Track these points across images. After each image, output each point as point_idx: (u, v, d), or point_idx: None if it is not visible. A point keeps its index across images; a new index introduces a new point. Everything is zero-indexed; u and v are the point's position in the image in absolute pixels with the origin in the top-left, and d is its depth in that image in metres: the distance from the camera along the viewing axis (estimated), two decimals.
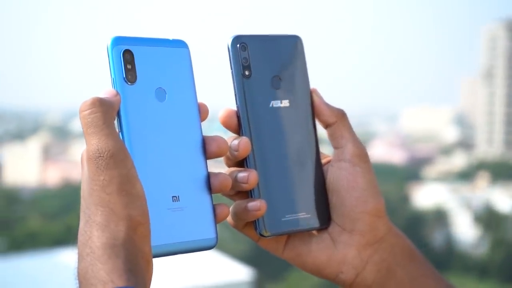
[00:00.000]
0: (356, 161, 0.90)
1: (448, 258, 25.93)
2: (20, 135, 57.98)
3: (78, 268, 0.72)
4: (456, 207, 31.74)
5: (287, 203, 0.90)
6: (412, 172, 43.93)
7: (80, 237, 0.73)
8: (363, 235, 0.90)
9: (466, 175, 42.52)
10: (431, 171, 45.83)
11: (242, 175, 0.86)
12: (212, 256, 15.42)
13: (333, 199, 0.91)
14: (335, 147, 0.92)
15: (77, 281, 0.72)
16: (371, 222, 0.89)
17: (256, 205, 0.86)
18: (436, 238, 28.66)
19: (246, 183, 0.86)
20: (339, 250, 0.90)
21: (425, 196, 34.45)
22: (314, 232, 0.92)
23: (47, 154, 45.47)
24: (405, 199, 32.87)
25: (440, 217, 30.02)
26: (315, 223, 0.91)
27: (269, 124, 0.90)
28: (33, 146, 46.39)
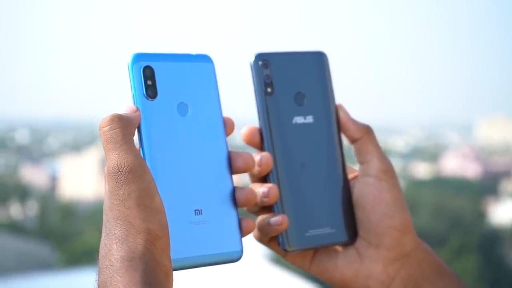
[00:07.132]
0: (382, 176, 0.91)
1: None
2: (77, 146, 57.73)
3: (98, 281, 0.73)
4: None
5: (311, 218, 0.91)
6: (488, 186, 41.99)
7: (101, 250, 0.74)
8: (390, 250, 0.91)
9: None
10: (508, 185, 43.48)
11: (263, 190, 0.88)
12: (270, 271, 14.39)
13: (359, 214, 0.92)
14: (361, 162, 0.93)
15: None
16: (398, 237, 0.91)
17: (278, 220, 0.88)
18: None
19: (267, 197, 0.88)
20: (366, 265, 0.91)
21: (503, 212, 32.73)
22: (340, 247, 0.93)
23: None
24: (480, 215, 31.20)
25: None
26: (340, 238, 0.92)
27: (292, 140, 0.91)
28: (91, 158, 45.89)
